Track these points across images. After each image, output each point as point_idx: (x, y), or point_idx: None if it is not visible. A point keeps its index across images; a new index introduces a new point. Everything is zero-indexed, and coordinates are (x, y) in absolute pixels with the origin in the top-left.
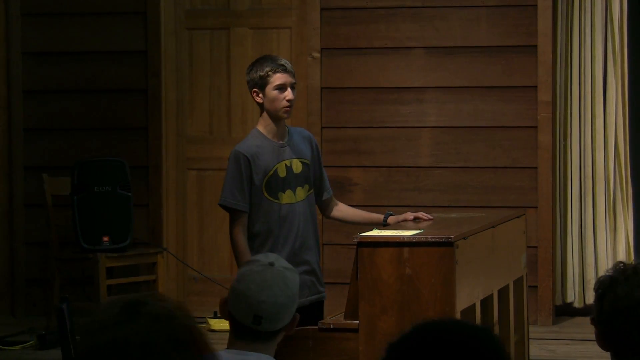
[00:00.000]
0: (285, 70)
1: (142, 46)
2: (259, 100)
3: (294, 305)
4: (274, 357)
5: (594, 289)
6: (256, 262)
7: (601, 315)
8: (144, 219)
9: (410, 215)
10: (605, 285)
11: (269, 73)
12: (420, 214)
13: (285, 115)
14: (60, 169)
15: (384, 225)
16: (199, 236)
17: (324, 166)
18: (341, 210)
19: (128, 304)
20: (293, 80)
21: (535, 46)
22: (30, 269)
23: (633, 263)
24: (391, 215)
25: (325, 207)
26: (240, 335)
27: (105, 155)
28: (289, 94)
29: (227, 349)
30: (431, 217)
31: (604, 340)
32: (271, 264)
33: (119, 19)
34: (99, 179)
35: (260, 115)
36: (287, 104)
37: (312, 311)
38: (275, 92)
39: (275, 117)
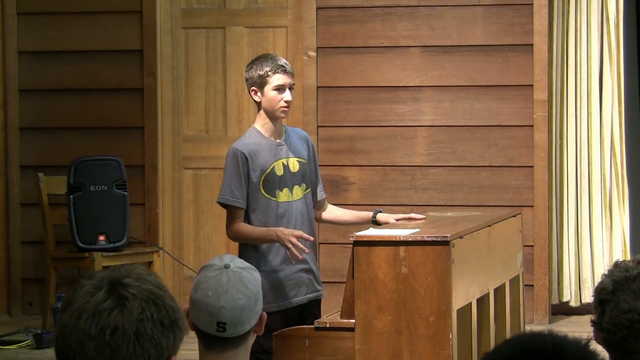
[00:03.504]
0: (285, 71)
1: (138, 45)
2: (257, 99)
3: (258, 305)
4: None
5: (595, 290)
6: (211, 267)
7: (602, 322)
8: (140, 218)
9: (401, 216)
10: (606, 291)
11: (269, 73)
12: (413, 215)
13: (283, 115)
14: (56, 168)
15: (374, 222)
16: (195, 235)
17: (320, 165)
18: (331, 212)
19: (111, 287)
20: (292, 82)
21: (531, 45)
22: (26, 268)
23: (632, 263)
24: (380, 212)
25: (317, 209)
26: (209, 345)
27: (101, 154)
28: (287, 95)
29: None
30: (424, 216)
31: (603, 344)
32: (226, 267)
33: (115, 18)
34: (95, 177)
35: (258, 114)
36: (285, 104)
37: (309, 309)
38: (274, 92)
39: (273, 117)
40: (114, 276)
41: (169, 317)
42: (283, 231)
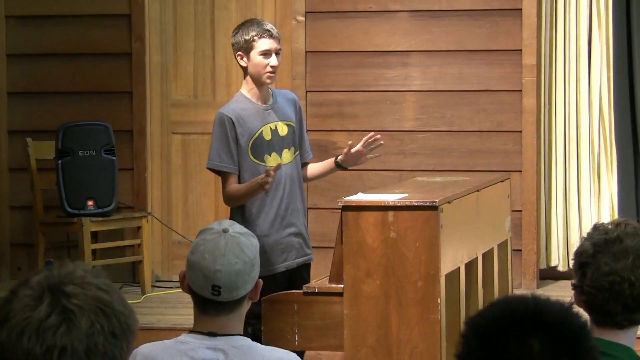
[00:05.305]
0: (271, 35)
1: (126, 9)
2: (243, 64)
3: (254, 271)
4: (243, 326)
5: (575, 254)
6: (209, 231)
7: (583, 285)
8: (128, 182)
9: (356, 146)
10: (587, 255)
11: (255, 38)
12: (365, 139)
13: (269, 81)
14: (44, 133)
15: (336, 163)
16: (184, 200)
17: (308, 130)
18: (309, 169)
19: (53, 298)
20: (278, 47)
21: (520, 9)
22: (15, 233)
23: (612, 226)
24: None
25: (304, 170)
26: (204, 309)
27: (90, 119)
28: (273, 60)
29: (193, 329)
30: (377, 135)
31: (585, 307)
32: (225, 231)
33: None
34: (83, 142)
35: (244, 79)
36: (271, 69)
37: (299, 273)
38: (260, 57)
39: (259, 82)
40: (53, 283)
41: (120, 325)
42: (259, 176)
